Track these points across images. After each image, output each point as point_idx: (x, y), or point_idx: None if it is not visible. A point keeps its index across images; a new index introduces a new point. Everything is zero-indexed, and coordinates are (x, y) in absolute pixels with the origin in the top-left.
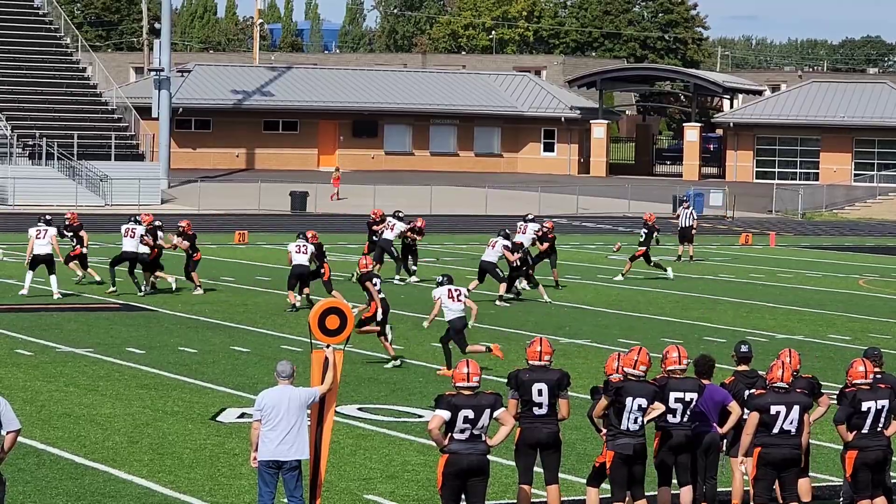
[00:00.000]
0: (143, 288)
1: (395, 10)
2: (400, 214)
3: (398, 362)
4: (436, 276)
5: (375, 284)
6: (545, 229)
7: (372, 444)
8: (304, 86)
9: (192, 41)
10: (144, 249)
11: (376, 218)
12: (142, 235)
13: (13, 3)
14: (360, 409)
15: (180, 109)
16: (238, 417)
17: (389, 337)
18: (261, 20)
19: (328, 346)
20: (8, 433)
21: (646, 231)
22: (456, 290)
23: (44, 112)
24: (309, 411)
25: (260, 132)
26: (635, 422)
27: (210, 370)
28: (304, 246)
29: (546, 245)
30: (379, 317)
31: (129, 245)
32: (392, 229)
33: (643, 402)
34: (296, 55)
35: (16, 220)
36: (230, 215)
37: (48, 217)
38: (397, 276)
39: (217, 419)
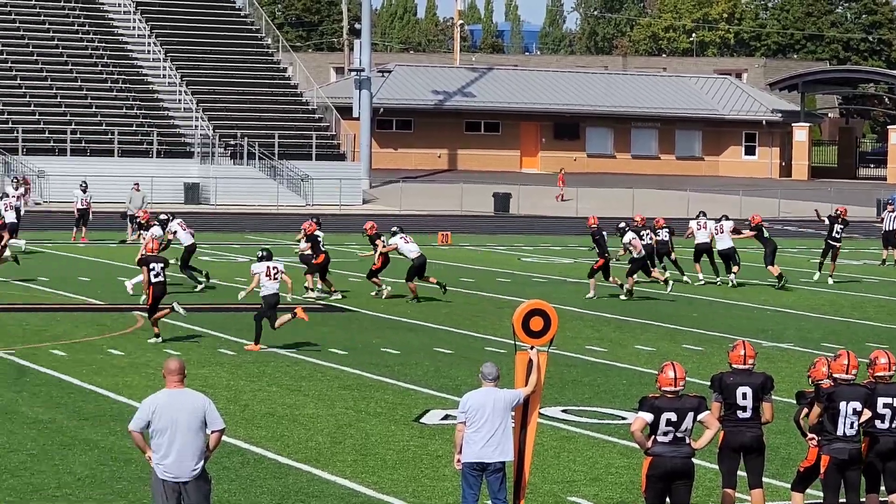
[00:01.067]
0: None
1: (596, 12)
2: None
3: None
4: None
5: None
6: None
7: (576, 447)
8: (505, 87)
9: (392, 41)
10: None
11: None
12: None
13: (216, 5)
14: (563, 410)
15: (381, 109)
16: (442, 419)
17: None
18: (461, 21)
19: (532, 348)
20: (213, 432)
21: (841, 226)
22: (274, 268)
23: (245, 112)
24: (513, 413)
25: (462, 133)
26: (851, 426)
27: (413, 371)
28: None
29: (749, 233)
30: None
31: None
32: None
33: (857, 405)
34: (496, 56)
35: (217, 219)
36: (432, 216)
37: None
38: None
39: (420, 421)
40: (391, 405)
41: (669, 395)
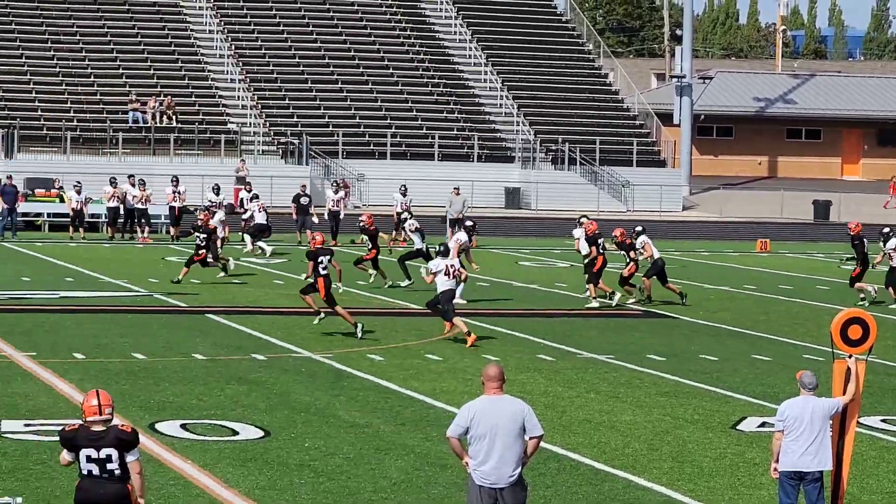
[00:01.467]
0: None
1: None
2: None
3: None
4: None
5: (321, 262)
6: None
7: None
8: (828, 93)
9: (713, 47)
10: None
11: None
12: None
13: (538, 11)
14: (883, 420)
15: (702, 116)
16: (759, 427)
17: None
18: (783, 27)
19: (850, 357)
20: (531, 438)
21: None
22: (452, 267)
23: (566, 117)
24: (831, 422)
25: (782, 140)
26: None
27: (730, 378)
28: None
29: None
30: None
31: None
32: None
33: None
34: (819, 62)
35: (538, 224)
36: (752, 223)
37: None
38: None
39: (737, 428)
40: (708, 412)
41: None
